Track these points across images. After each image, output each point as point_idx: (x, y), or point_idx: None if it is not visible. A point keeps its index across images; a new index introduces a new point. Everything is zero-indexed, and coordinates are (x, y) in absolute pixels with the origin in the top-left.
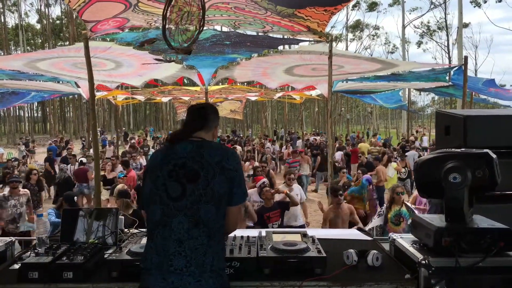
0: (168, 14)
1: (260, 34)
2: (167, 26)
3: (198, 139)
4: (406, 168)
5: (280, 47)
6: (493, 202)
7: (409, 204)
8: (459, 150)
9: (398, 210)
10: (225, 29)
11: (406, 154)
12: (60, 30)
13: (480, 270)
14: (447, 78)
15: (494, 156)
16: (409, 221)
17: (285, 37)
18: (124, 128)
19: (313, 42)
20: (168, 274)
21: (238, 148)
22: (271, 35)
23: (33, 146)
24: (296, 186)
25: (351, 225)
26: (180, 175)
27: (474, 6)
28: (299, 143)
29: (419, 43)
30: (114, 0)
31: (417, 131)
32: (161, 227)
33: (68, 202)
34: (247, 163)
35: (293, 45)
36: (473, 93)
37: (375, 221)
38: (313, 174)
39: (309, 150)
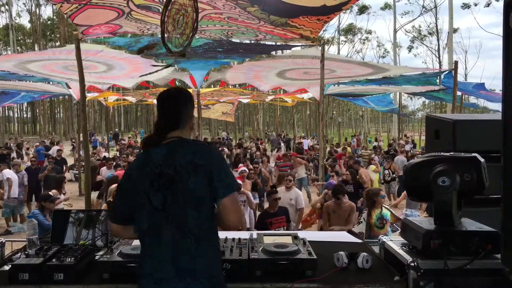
0: (165, 19)
1: (252, 42)
2: (165, 31)
3: (171, 140)
4: (389, 170)
5: (273, 52)
6: (481, 206)
7: (386, 206)
8: (448, 154)
9: (379, 213)
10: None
11: (395, 160)
12: (51, 30)
13: (468, 272)
14: (438, 81)
15: (482, 160)
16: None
17: (278, 43)
18: (116, 130)
19: (305, 46)
20: (159, 282)
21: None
22: (263, 42)
23: (27, 148)
24: (293, 191)
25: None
26: (160, 184)
27: (464, 8)
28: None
29: (409, 48)
30: (107, 7)
31: (405, 135)
32: (149, 236)
33: (49, 200)
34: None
35: (285, 50)
36: (463, 97)
37: (355, 228)
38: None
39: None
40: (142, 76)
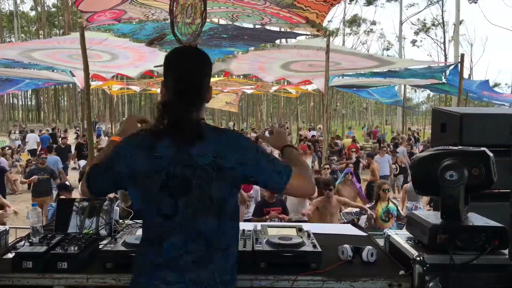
0: (174, 8)
1: (257, 26)
2: (175, 21)
3: (183, 127)
4: (396, 164)
5: (277, 41)
6: (488, 200)
7: (394, 200)
8: (456, 148)
9: (386, 207)
10: (222, 21)
11: (397, 150)
12: (55, 18)
13: (474, 268)
14: (443, 77)
15: (491, 154)
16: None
17: (283, 29)
18: (123, 119)
19: (310, 36)
20: None
21: None
22: (268, 27)
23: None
24: None
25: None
26: (171, 186)
27: (471, 3)
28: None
29: (414, 41)
30: None
31: (409, 129)
32: (155, 246)
33: (67, 191)
34: None
35: (290, 39)
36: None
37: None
38: None
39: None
40: (156, 66)
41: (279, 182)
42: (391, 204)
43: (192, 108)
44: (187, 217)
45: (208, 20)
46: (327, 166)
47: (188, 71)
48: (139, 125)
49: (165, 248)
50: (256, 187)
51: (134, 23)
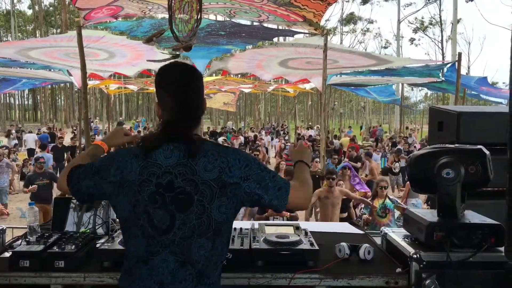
0: (172, 3)
1: (255, 23)
2: (173, 17)
3: (186, 140)
4: (399, 163)
5: (275, 39)
6: (485, 198)
7: (392, 197)
8: (452, 146)
9: (383, 203)
10: (220, 18)
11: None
12: (52, 17)
13: (470, 265)
14: (440, 74)
15: (487, 152)
16: (395, 212)
17: (280, 27)
18: (121, 118)
19: (308, 35)
20: None
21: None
22: (266, 25)
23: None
24: None
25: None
26: (166, 199)
27: (467, 1)
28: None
29: (411, 40)
30: None
31: (407, 128)
32: (141, 264)
33: None
34: None
35: (288, 38)
36: (466, 88)
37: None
38: None
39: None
40: (149, 60)
41: (280, 199)
42: (388, 200)
43: (191, 122)
44: (183, 235)
45: (206, 16)
46: (317, 159)
47: (183, 87)
48: (125, 138)
49: (154, 267)
50: None
51: (132, 20)
